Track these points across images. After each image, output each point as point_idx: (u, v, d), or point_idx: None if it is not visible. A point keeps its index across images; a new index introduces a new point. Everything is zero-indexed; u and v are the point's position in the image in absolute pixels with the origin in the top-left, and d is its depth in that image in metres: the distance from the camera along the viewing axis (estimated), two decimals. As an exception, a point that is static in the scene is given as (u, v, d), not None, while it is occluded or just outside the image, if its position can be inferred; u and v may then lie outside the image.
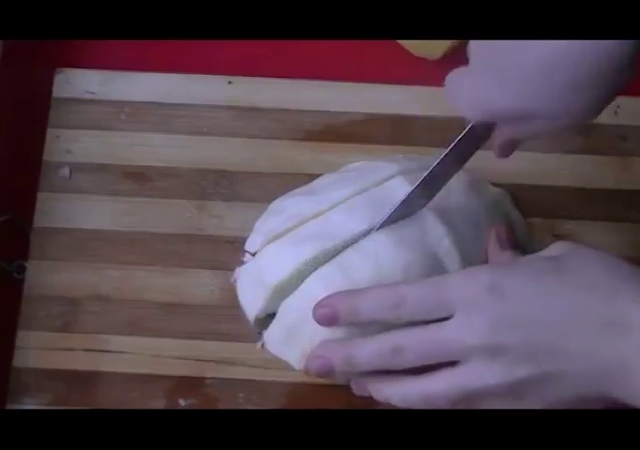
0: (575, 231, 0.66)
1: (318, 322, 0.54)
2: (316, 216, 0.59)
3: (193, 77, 0.70)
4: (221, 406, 0.62)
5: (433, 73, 0.71)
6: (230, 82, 0.70)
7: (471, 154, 0.58)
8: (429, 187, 0.58)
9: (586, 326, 0.49)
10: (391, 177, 0.60)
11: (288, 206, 0.61)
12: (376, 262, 0.57)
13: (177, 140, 0.68)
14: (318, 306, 0.54)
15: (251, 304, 0.60)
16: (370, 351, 0.52)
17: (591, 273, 0.51)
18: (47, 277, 0.65)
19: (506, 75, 0.51)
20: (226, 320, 0.64)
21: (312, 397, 0.61)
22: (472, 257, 0.59)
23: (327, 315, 0.54)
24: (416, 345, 0.51)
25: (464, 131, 0.56)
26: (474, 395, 0.51)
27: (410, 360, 0.51)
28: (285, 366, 0.62)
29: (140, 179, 0.67)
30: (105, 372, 0.63)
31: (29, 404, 0.62)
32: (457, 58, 0.70)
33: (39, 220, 0.66)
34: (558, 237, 0.65)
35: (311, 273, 0.57)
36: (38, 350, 0.63)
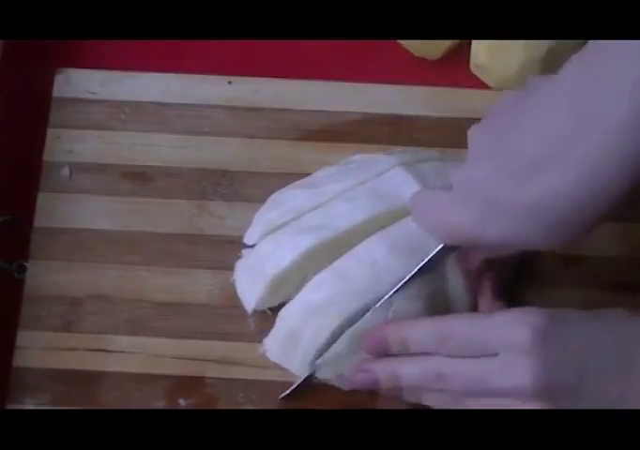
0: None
1: (368, 352, 0.56)
2: (316, 207, 0.59)
3: (193, 77, 0.70)
4: (221, 406, 0.62)
5: (433, 73, 0.71)
6: (230, 82, 0.70)
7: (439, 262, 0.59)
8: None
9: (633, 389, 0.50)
10: (391, 168, 0.61)
11: (288, 199, 0.61)
12: (372, 266, 0.57)
13: (177, 140, 0.68)
14: (370, 336, 0.56)
15: (250, 295, 0.60)
16: (414, 373, 0.55)
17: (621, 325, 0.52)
18: (47, 276, 0.65)
19: (491, 207, 0.51)
20: (226, 320, 0.64)
21: (312, 397, 0.61)
22: None
23: (378, 346, 0.56)
24: (459, 376, 0.53)
25: (434, 253, 0.57)
26: None
27: (451, 387, 0.54)
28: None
29: (140, 179, 0.67)
30: (105, 372, 0.63)
31: (29, 404, 0.62)
32: (457, 58, 0.71)
33: (40, 220, 0.66)
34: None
35: (310, 264, 0.58)
36: (39, 350, 0.63)
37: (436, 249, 0.57)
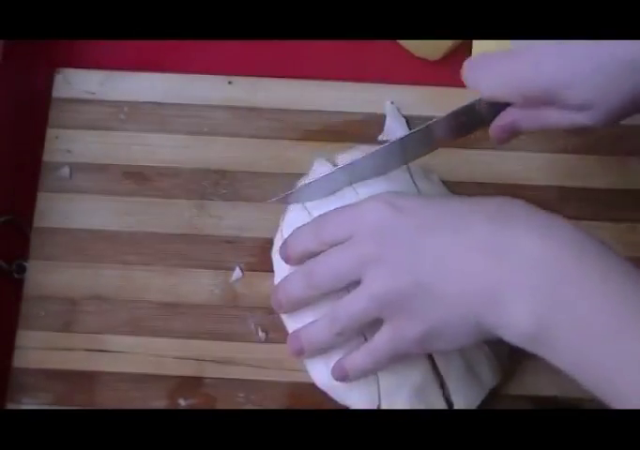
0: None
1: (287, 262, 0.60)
2: None
3: (193, 77, 0.70)
4: (221, 406, 0.62)
5: (433, 73, 0.71)
6: (230, 82, 0.70)
7: (465, 131, 0.60)
8: (417, 143, 0.60)
9: (468, 246, 0.51)
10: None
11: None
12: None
13: (177, 140, 0.68)
14: (280, 249, 0.60)
15: None
16: (294, 279, 0.59)
17: (488, 206, 0.53)
18: (47, 277, 0.65)
19: (551, 53, 0.53)
20: (226, 320, 0.64)
21: (312, 397, 0.61)
22: None
23: (286, 256, 0.60)
24: (322, 267, 0.57)
25: (470, 102, 0.58)
26: (377, 302, 0.54)
27: (320, 281, 0.57)
28: (285, 366, 0.62)
29: (140, 179, 0.67)
30: (105, 372, 0.63)
31: (29, 404, 0.62)
32: (457, 58, 0.71)
33: (39, 220, 0.66)
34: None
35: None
36: (38, 350, 0.63)
37: (472, 101, 0.58)
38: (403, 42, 0.71)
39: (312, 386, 0.61)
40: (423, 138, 0.60)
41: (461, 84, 0.69)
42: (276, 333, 0.63)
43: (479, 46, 0.69)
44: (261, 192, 0.67)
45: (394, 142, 0.60)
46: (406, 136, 0.59)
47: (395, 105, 0.69)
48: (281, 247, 0.60)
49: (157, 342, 0.63)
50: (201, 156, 0.68)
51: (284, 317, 0.61)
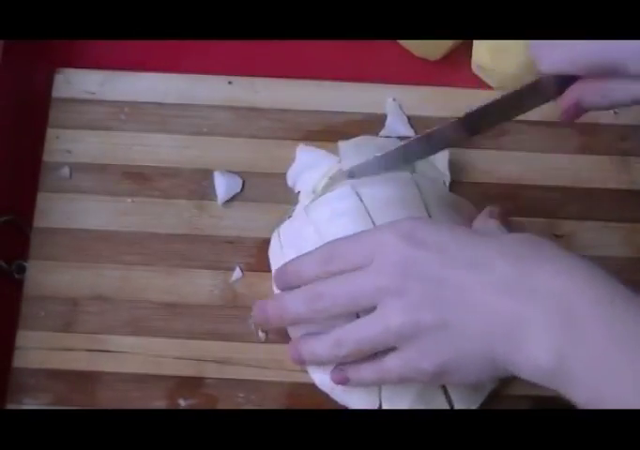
0: (575, 231, 0.66)
1: (278, 287, 0.60)
2: None
3: (193, 77, 0.70)
4: (221, 406, 0.62)
5: (433, 73, 0.71)
6: (230, 82, 0.70)
7: (524, 110, 0.59)
8: (479, 120, 0.59)
9: (489, 283, 0.51)
10: None
11: None
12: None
13: (177, 140, 0.68)
14: (274, 275, 0.60)
15: None
16: (297, 298, 0.57)
17: (509, 242, 0.53)
18: (47, 277, 0.65)
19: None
20: (226, 320, 0.64)
21: (312, 397, 0.61)
22: None
23: (281, 281, 0.59)
24: (334, 290, 0.55)
25: (531, 81, 0.57)
26: (393, 334, 0.53)
27: (330, 305, 0.55)
28: (285, 366, 0.62)
29: (140, 179, 0.67)
30: (105, 372, 0.63)
31: (29, 404, 0.62)
32: (457, 58, 0.71)
33: (39, 220, 0.66)
34: (558, 237, 0.65)
35: None
36: (38, 350, 0.63)
37: (533, 80, 0.57)
38: (403, 42, 0.71)
39: (312, 386, 0.61)
40: (485, 114, 0.59)
41: (462, 85, 0.70)
42: (276, 333, 0.63)
43: (479, 46, 0.69)
44: (261, 192, 0.67)
45: (453, 122, 0.59)
46: (470, 113, 0.59)
47: (397, 102, 0.68)
48: (278, 273, 0.59)
49: (157, 342, 0.63)
50: (201, 156, 0.68)
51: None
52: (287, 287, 0.59)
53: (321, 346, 0.57)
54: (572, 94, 0.57)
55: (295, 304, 0.57)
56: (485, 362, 0.52)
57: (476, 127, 0.60)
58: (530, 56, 0.56)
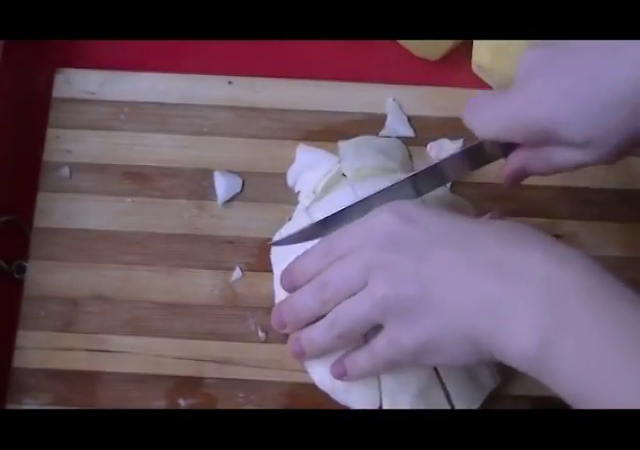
0: (575, 231, 0.66)
1: (284, 288, 0.60)
2: None
3: (193, 77, 0.70)
4: (221, 406, 0.62)
5: (433, 73, 0.71)
6: (230, 82, 0.70)
7: (476, 166, 0.60)
8: (426, 180, 0.60)
9: (475, 262, 0.51)
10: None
11: None
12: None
13: (177, 140, 0.68)
14: (281, 275, 0.59)
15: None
16: (305, 293, 0.57)
17: (499, 228, 0.53)
18: (47, 277, 0.65)
19: (547, 89, 0.53)
20: (226, 320, 0.64)
21: (312, 397, 0.61)
22: None
23: (288, 281, 0.59)
24: (333, 277, 0.56)
25: (476, 143, 0.58)
26: (378, 307, 0.53)
27: (334, 293, 0.56)
28: (285, 366, 0.62)
29: (140, 179, 0.67)
30: (105, 372, 0.63)
31: (29, 404, 0.62)
32: (457, 58, 0.71)
33: (39, 220, 0.66)
34: (558, 237, 0.65)
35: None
36: (39, 350, 0.63)
37: (475, 143, 0.58)
38: (403, 42, 0.71)
39: (312, 386, 0.61)
40: (432, 175, 0.59)
41: (462, 85, 0.70)
42: (276, 333, 0.63)
43: (479, 46, 0.69)
44: (261, 192, 0.67)
45: (404, 179, 0.59)
46: (416, 174, 0.59)
47: (397, 102, 0.68)
48: (284, 274, 0.59)
49: (157, 342, 0.63)
50: (201, 156, 0.68)
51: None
52: (294, 287, 0.59)
53: (317, 330, 0.57)
54: (515, 161, 0.58)
55: (304, 300, 0.57)
56: (467, 342, 0.52)
57: (421, 188, 0.60)
58: (465, 123, 0.57)
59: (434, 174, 0.59)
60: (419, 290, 0.52)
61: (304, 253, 0.59)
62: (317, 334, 0.57)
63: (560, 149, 0.55)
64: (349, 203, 0.59)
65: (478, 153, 0.58)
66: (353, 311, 0.55)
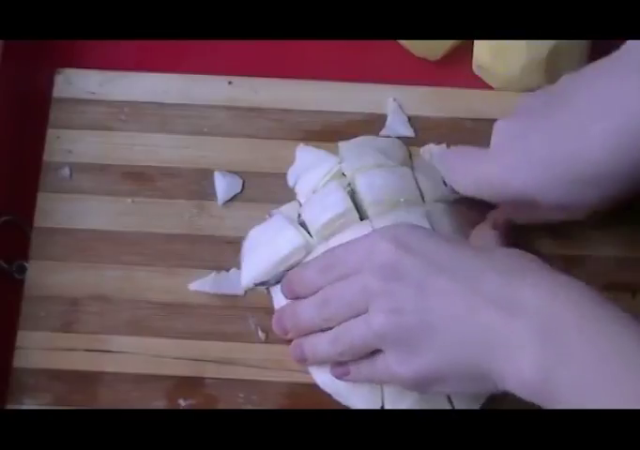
0: (575, 231, 0.66)
1: (287, 297, 0.60)
2: None
3: (193, 77, 0.70)
4: (221, 406, 0.62)
5: (433, 73, 0.71)
6: (230, 83, 0.70)
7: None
8: None
9: (474, 293, 0.51)
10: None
11: None
12: None
13: (177, 140, 0.68)
14: (282, 284, 0.60)
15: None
16: (308, 305, 0.58)
17: (498, 257, 0.53)
18: (47, 277, 0.65)
19: (524, 160, 0.54)
20: (226, 320, 0.64)
21: (312, 398, 0.61)
22: None
23: (290, 290, 0.60)
24: (335, 297, 0.56)
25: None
26: (377, 335, 0.54)
27: (335, 312, 0.56)
28: (285, 366, 0.62)
29: (140, 179, 0.67)
30: (105, 372, 0.63)
31: (29, 404, 0.62)
32: (457, 58, 0.71)
33: (40, 220, 0.66)
34: (558, 237, 0.65)
35: None
36: (39, 350, 0.63)
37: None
38: (403, 42, 0.71)
39: (312, 386, 0.61)
40: None
41: (463, 85, 0.69)
42: (276, 333, 0.63)
43: (479, 46, 0.69)
44: (261, 192, 0.67)
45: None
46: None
47: (397, 102, 0.68)
48: (284, 283, 0.60)
49: (157, 342, 0.63)
50: (201, 156, 0.68)
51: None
52: (295, 296, 0.59)
53: (321, 342, 0.58)
54: (499, 217, 0.60)
55: (306, 313, 0.58)
56: (469, 373, 0.52)
57: None
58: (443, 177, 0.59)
59: None
60: (419, 321, 0.52)
61: (304, 265, 0.59)
62: (320, 346, 0.58)
63: (540, 210, 0.56)
64: (339, 201, 0.61)
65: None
66: (353, 334, 0.55)
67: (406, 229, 0.56)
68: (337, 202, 0.62)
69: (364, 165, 0.63)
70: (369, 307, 0.54)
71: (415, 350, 0.53)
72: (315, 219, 0.62)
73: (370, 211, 0.62)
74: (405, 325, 0.52)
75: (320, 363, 0.60)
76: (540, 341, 0.49)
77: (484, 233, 0.60)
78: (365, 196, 0.62)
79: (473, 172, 0.56)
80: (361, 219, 0.62)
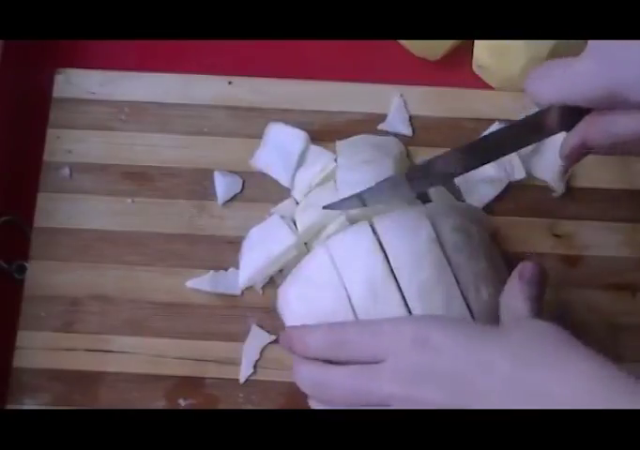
0: (575, 231, 0.66)
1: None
2: None
3: (193, 77, 0.70)
4: (221, 406, 0.62)
5: (433, 73, 0.71)
6: (230, 83, 0.70)
7: (526, 143, 0.57)
8: (470, 155, 0.58)
9: (494, 391, 0.49)
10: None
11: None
12: None
13: (177, 140, 0.68)
14: (281, 338, 0.58)
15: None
16: (309, 370, 0.56)
17: (518, 342, 0.50)
18: (47, 277, 0.65)
19: (614, 52, 0.51)
20: (226, 320, 0.64)
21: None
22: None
23: (285, 346, 0.58)
24: (344, 381, 0.54)
25: (538, 112, 0.55)
26: None
27: (339, 400, 0.54)
28: (285, 366, 0.62)
29: (140, 179, 0.67)
30: (105, 372, 0.63)
31: (29, 404, 0.62)
32: (457, 58, 0.71)
33: (40, 220, 0.66)
34: (558, 237, 0.65)
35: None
36: (39, 350, 0.63)
37: (535, 112, 0.56)
38: (403, 42, 0.71)
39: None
40: (486, 147, 0.58)
41: (463, 85, 0.70)
42: (276, 333, 0.63)
43: (479, 46, 0.69)
44: (261, 192, 0.67)
45: (455, 150, 0.58)
46: (472, 144, 0.57)
47: (403, 98, 0.68)
48: (284, 338, 0.58)
49: (157, 342, 0.63)
50: (201, 156, 0.68)
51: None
52: (293, 352, 0.57)
53: (338, 376, 0.55)
54: (575, 134, 0.56)
55: (309, 374, 0.56)
56: None
57: (476, 158, 0.58)
58: (526, 90, 0.55)
59: (491, 146, 0.57)
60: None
61: (305, 327, 0.57)
62: (337, 378, 0.55)
63: (623, 116, 0.53)
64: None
65: (535, 125, 0.56)
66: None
67: (427, 320, 0.54)
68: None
69: (348, 162, 0.64)
70: (390, 405, 0.52)
71: None
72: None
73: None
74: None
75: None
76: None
77: (512, 298, 0.56)
78: (342, 192, 0.62)
79: (566, 72, 0.53)
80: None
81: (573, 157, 0.57)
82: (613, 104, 0.53)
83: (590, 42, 0.53)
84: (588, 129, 0.55)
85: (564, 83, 0.53)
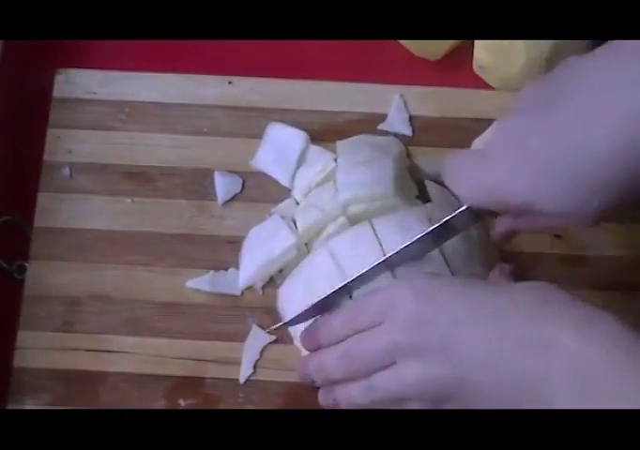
0: (575, 231, 0.66)
1: (305, 348, 0.59)
2: None
3: (193, 77, 0.70)
4: (221, 406, 0.62)
5: (433, 73, 0.71)
6: (230, 82, 0.70)
7: (456, 233, 0.59)
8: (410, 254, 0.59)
9: (504, 339, 0.50)
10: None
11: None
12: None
13: (177, 140, 0.68)
14: (302, 335, 0.59)
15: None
16: (332, 360, 0.56)
17: (519, 293, 0.52)
18: (47, 277, 0.65)
19: (524, 164, 0.52)
20: (226, 320, 0.64)
21: (312, 398, 0.61)
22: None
23: (312, 341, 0.58)
24: (359, 351, 0.55)
25: (457, 211, 0.57)
26: (413, 389, 0.53)
27: (359, 367, 0.55)
28: (285, 366, 0.62)
29: (140, 179, 0.67)
30: (105, 372, 0.63)
31: (29, 404, 0.62)
32: (457, 58, 0.71)
33: (40, 220, 0.66)
34: (558, 237, 0.65)
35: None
36: (39, 350, 0.63)
37: (458, 210, 0.57)
38: (404, 42, 0.71)
39: (311, 386, 0.61)
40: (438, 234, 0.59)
41: (463, 85, 0.70)
42: (276, 333, 0.63)
43: (479, 46, 0.69)
44: (261, 192, 0.67)
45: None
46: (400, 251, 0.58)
47: (403, 99, 0.68)
48: (308, 334, 0.58)
49: (157, 342, 0.64)
50: (201, 156, 0.68)
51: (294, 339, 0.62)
52: (317, 346, 0.58)
53: (355, 390, 0.56)
54: (502, 224, 0.58)
55: (332, 366, 0.57)
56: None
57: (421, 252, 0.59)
58: (445, 181, 0.56)
59: (439, 233, 0.59)
60: (451, 372, 0.51)
61: (325, 318, 0.58)
62: (355, 393, 0.56)
63: (542, 217, 0.54)
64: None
65: (451, 227, 0.58)
66: (388, 388, 0.54)
67: (425, 279, 0.55)
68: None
69: (348, 162, 0.64)
70: (397, 361, 0.53)
71: (450, 401, 0.52)
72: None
73: (350, 208, 0.62)
74: (439, 376, 0.52)
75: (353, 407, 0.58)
76: (573, 386, 0.48)
77: (501, 271, 0.59)
78: (342, 194, 0.62)
79: (479, 180, 0.54)
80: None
81: (507, 239, 0.59)
82: (528, 212, 0.54)
83: (491, 146, 0.54)
84: (515, 222, 0.57)
85: (481, 194, 0.54)
